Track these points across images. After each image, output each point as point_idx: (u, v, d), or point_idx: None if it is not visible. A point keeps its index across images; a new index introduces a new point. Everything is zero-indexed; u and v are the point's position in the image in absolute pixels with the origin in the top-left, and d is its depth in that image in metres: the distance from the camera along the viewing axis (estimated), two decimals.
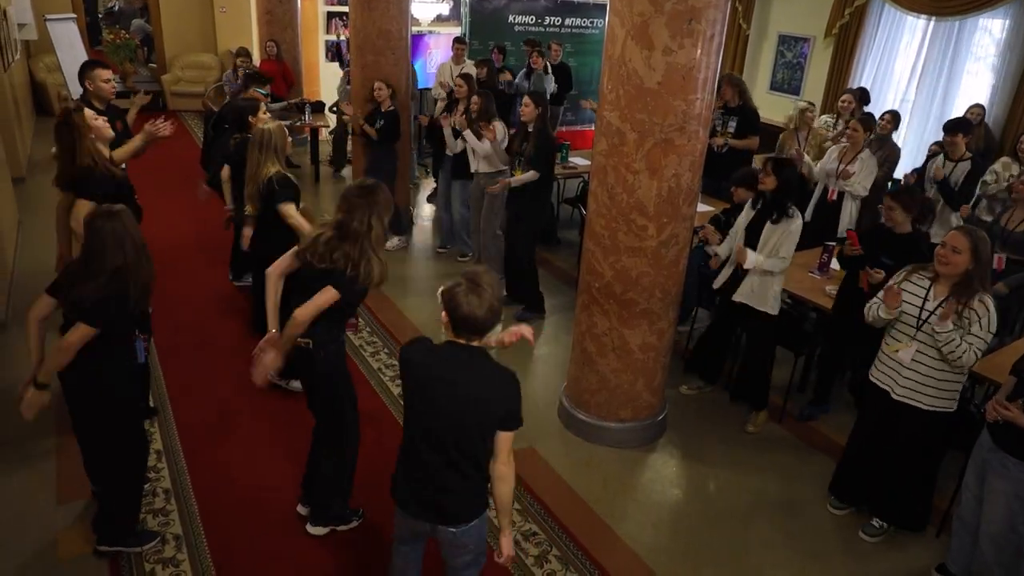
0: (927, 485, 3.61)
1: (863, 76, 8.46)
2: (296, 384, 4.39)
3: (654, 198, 3.72)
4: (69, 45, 9.24)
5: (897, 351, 3.37)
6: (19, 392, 2.88)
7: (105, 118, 4.02)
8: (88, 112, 3.81)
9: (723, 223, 4.62)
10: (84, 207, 3.49)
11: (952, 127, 5.53)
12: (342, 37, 10.04)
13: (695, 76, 3.52)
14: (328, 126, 9.30)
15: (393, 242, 6.88)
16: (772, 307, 4.18)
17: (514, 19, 9.88)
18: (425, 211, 8.20)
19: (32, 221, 6.72)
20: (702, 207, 5.51)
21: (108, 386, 2.92)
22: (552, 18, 10.14)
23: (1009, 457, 2.99)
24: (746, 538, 3.65)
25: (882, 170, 5.99)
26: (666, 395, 4.45)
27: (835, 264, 4.70)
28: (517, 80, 8.48)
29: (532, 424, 4.24)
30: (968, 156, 5.51)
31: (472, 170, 6.02)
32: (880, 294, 3.42)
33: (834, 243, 4.88)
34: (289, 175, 4.27)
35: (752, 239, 4.17)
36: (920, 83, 8.06)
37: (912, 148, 7.97)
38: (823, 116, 8.01)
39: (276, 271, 3.10)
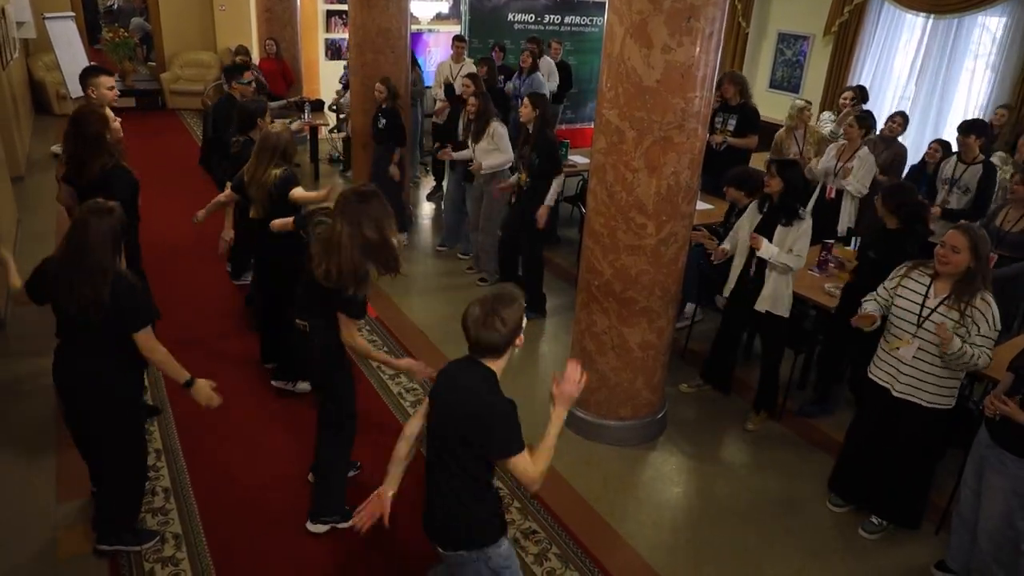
0: (923, 483, 3.61)
1: (862, 74, 8.46)
2: (303, 385, 4.41)
3: (653, 196, 3.72)
4: (68, 43, 9.22)
5: (898, 348, 3.38)
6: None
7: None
8: (108, 112, 3.84)
9: (721, 236, 4.61)
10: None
11: (967, 128, 5.27)
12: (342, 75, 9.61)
13: (694, 74, 3.52)
14: (327, 124, 9.29)
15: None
16: (786, 310, 4.18)
17: (513, 17, 9.86)
18: (425, 210, 8.20)
19: (31, 220, 6.71)
20: (701, 205, 5.50)
21: (108, 386, 2.93)
22: (551, 16, 10.11)
23: (1007, 453, 3.00)
24: (746, 535, 3.65)
25: (891, 171, 5.94)
26: (666, 393, 4.45)
27: (835, 265, 4.70)
28: (511, 83, 8.22)
29: (532, 423, 4.23)
30: (981, 159, 5.28)
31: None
32: (856, 316, 3.49)
33: (832, 241, 4.88)
34: (290, 169, 4.28)
35: None
36: (919, 81, 8.07)
37: (911, 146, 7.91)
38: (824, 113, 8.01)
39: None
